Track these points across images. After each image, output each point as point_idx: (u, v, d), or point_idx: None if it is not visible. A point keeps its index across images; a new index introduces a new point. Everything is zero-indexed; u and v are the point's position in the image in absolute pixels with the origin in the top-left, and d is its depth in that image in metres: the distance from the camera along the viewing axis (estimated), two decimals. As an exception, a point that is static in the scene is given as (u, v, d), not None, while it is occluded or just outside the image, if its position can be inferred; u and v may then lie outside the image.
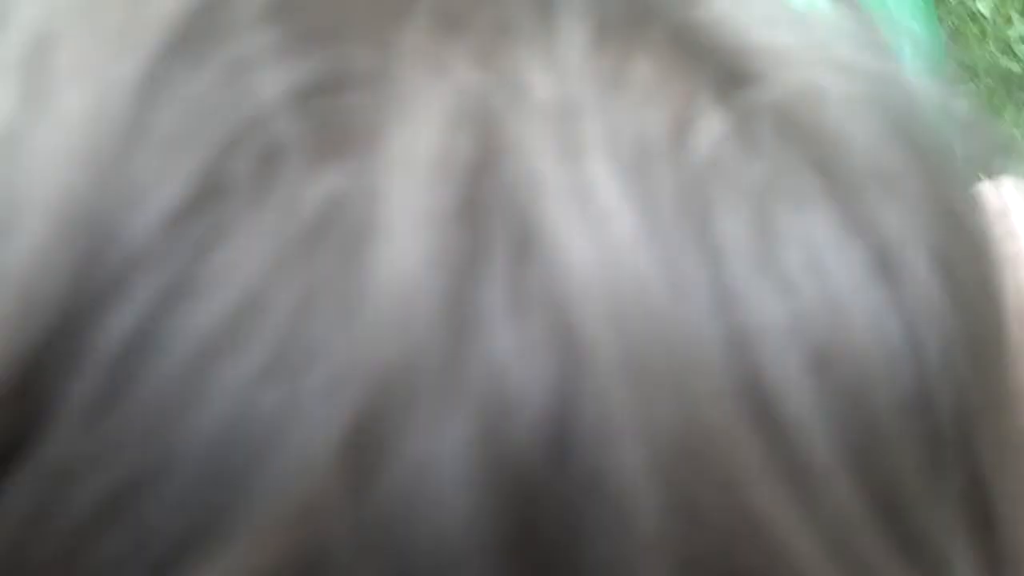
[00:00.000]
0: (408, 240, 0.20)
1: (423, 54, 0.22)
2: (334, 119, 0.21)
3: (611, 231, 0.21)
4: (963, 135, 0.27)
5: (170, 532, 0.19)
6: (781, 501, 0.21)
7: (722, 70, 0.24)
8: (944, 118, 0.27)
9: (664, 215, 0.21)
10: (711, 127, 0.23)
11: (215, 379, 0.20)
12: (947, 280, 0.24)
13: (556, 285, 0.20)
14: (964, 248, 0.25)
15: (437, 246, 0.20)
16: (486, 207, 0.21)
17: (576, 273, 0.20)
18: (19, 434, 0.20)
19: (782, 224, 0.22)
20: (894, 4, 1.27)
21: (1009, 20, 2.45)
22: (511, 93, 0.22)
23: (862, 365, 0.22)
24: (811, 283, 0.22)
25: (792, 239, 0.22)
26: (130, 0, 0.22)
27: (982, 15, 2.45)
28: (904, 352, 0.23)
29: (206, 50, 0.22)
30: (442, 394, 0.19)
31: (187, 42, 0.22)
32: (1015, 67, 2.38)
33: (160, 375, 0.20)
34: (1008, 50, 2.41)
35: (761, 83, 0.24)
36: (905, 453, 0.23)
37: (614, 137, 0.22)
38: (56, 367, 0.20)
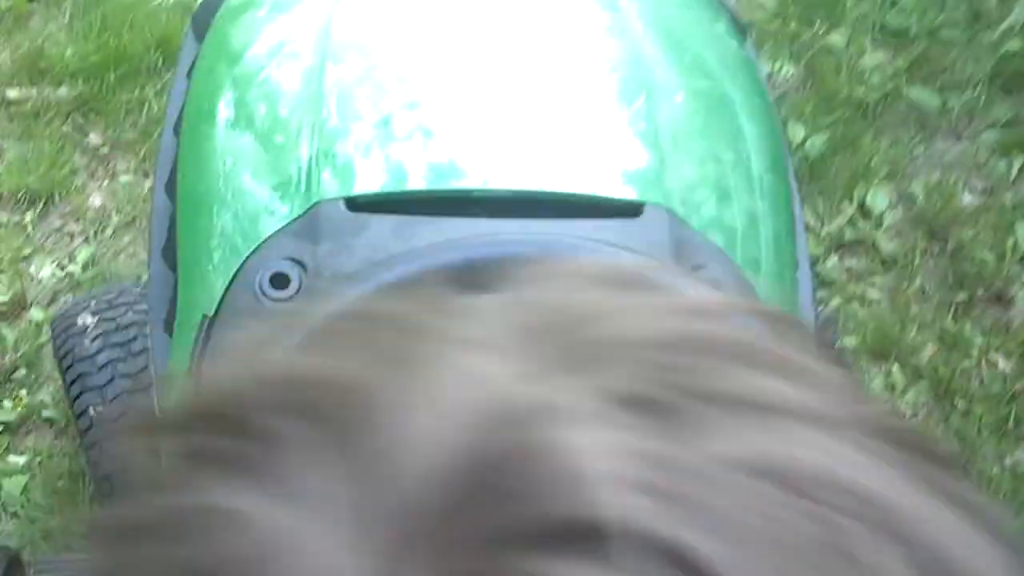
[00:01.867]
0: None
1: None
2: None
3: None
4: None
5: None
6: None
7: None
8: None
9: None
10: None
11: None
12: None
13: None
14: None
15: None
16: None
17: None
18: None
19: None
20: (724, 72, 1.33)
21: (863, 49, 2.57)
22: None
23: None
24: None
25: None
26: None
27: (836, 47, 2.57)
28: None
29: None
30: None
31: None
32: (870, 95, 2.50)
33: None
34: (862, 80, 2.52)
35: None
36: None
37: None
38: None
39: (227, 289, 1.11)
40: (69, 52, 2.40)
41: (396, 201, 1.15)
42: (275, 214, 1.15)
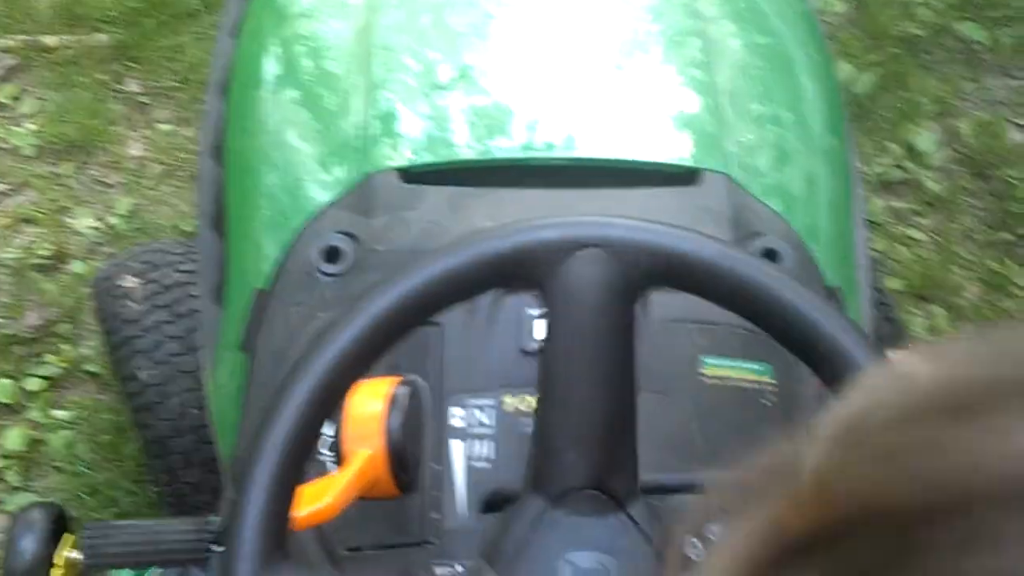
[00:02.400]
0: None
1: None
2: None
3: None
4: None
5: None
6: None
7: None
8: None
9: None
10: None
11: None
12: None
13: None
14: None
15: None
16: None
17: None
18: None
19: None
20: (784, 27, 1.29)
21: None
22: None
23: None
24: None
25: None
26: None
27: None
28: None
29: None
30: None
31: None
32: (919, 32, 2.44)
33: None
34: (912, 15, 2.47)
35: None
36: None
37: None
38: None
39: (280, 263, 1.09)
40: (105, -2, 2.38)
41: (450, 171, 1.13)
42: (326, 182, 1.14)
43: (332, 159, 1.15)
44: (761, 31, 1.28)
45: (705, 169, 1.11)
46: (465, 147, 1.14)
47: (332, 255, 1.07)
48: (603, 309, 0.81)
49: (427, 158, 1.12)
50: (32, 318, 1.98)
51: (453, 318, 0.88)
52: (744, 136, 1.16)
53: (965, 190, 2.26)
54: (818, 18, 1.40)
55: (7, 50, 2.32)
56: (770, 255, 1.06)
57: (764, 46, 1.27)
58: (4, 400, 1.89)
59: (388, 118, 1.15)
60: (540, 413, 0.83)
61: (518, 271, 0.81)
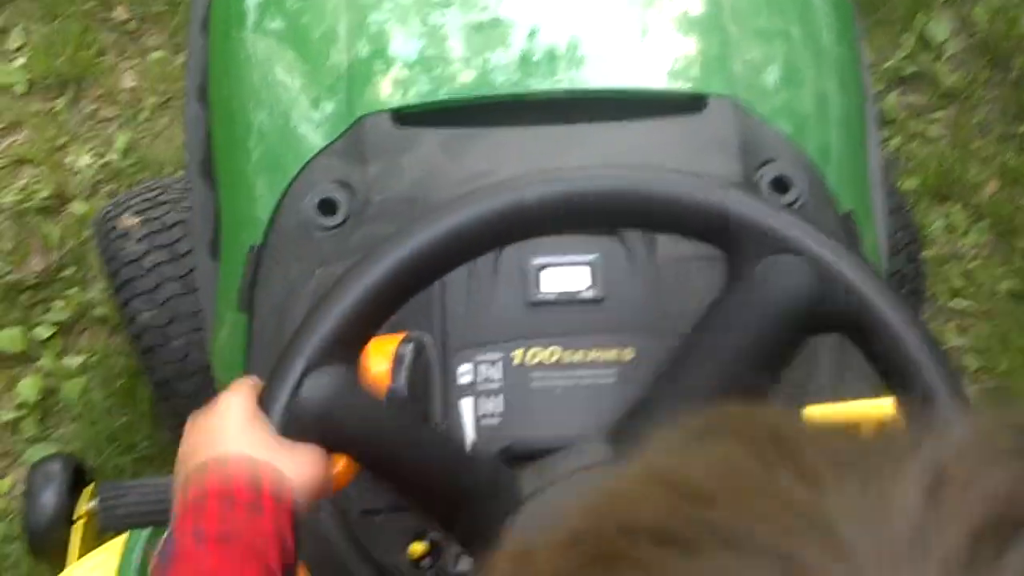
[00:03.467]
0: None
1: None
2: None
3: None
4: None
5: None
6: None
7: None
8: None
9: None
10: None
11: None
12: None
13: None
14: None
15: None
16: None
17: None
18: None
19: None
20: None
21: None
22: None
23: None
24: None
25: None
26: None
27: None
28: None
29: None
30: None
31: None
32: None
33: None
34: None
35: None
36: None
37: None
38: None
39: (274, 217, 1.05)
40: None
41: (443, 110, 1.08)
42: (317, 126, 1.09)
43: (322, 102, 1.10)
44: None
45: (711, 94, 1.07)
46: (458, 84, 1.09)
47: (327, 207, 1.03)
48: (783, 321, 0.80)
49: (418, 97, 1.08)
50: (36, 263, 1.95)
51: (456, 272, 0.85)
52: (750, 55, 1.11)
53: (981, 81, 2.19)
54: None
55: (-8, -15, 2.26)
56: (781, 182, 1.03)
57: None
58: (14, 349, 1.88)
59: (378, 50, 1.10)
60: (665, 370, 0.82)
61: (720, 233, 0.80)
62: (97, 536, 1.17)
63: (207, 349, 1.20)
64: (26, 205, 2.00)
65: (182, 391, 1.55)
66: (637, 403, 0.83)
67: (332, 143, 1.06)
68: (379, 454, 0.81)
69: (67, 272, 1.94)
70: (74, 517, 1.20)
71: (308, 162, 1.06)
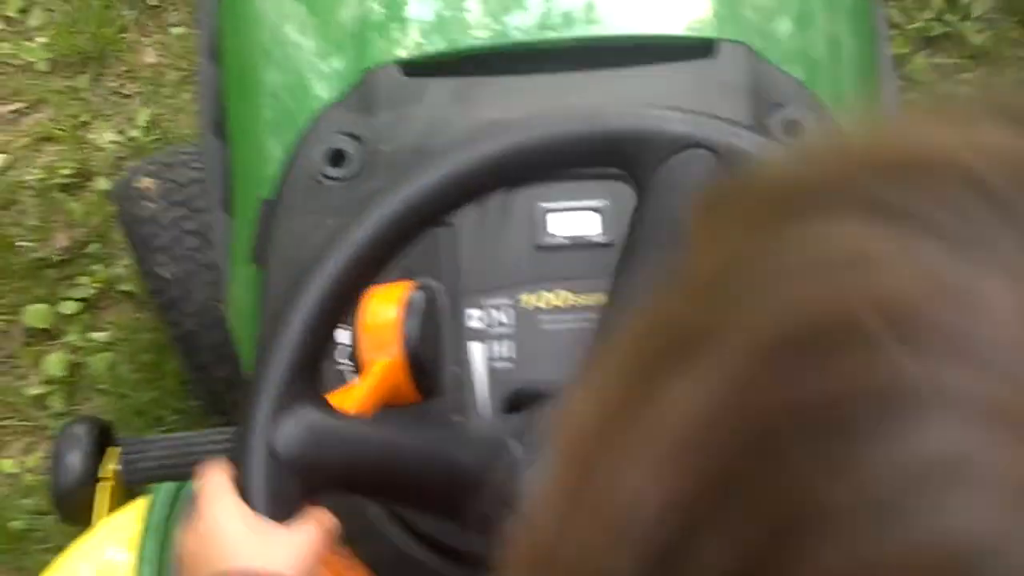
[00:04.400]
0: None
1: None
2: None
3: None
4: None
5: None
6: None
7: None
8: None
9: None
10: None
11: None
12: None
13: None
14: None
15: None
16: None
17: None
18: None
19: None
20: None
21: None
22: None
23: None
24: None
25: None
26: None
27: None
28: None
29: None
30: None
31: None
32: None
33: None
34: None
35: None
36: None
37: None
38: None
39: (285, 170, 1.05)
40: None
41: (452, 60, 1.07)
42: (328, 76, 1.09)
43: (331, 51, 1.10)
44: None
45: (722, 40, 1.05)
46: (465, 33, 1.08)
47: (337, 158, 1.03)
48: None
49: (427, 47, 1.07)
50: (61, 240, 1.96)
51: (464, 217, 0.85)
52: (760, 0, 1.10)
53: (1010, 40, 2.16)
54: None
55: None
56: (793, 126, 1.01)
57: None
58: (41, 325, 1.89)
59: (384, 9, 1.10)
60: (609, 306, 0.82)
61: (614, 155, 0.80)
62: (123, 495, 1.18)
63: (223, 303, 1.21)
64: (50, 182, 2.01)
65: (205, 343, 1.57)
66: (598, 342, 0.82)
67: (342, 96, 1.06)
68: (368, 479, 0.80)
69: (92, 248, 1.95)
70: (99, 477, 1.20)
71: (317, 115, 1.05)
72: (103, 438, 1.23)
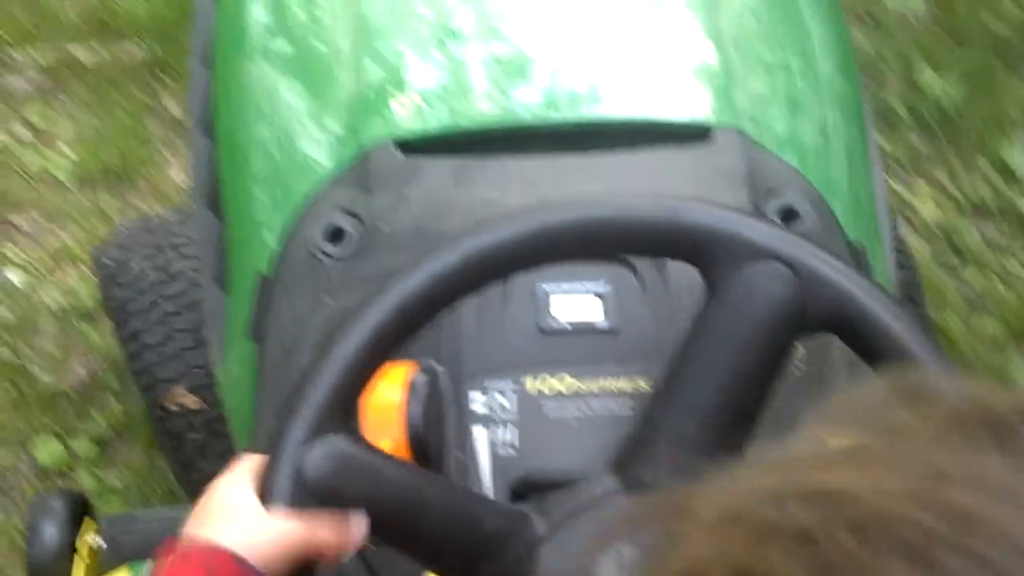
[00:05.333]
0: None
1: None
2: None
3: None
4: None
5: None
6: None
7: None
8: None
9: None
10: None
11: None
12: None
13: None
14: None
15: None
16: None
17: None
18: None
19: None
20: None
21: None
22: None
23: None
24: None
25: None
26: None
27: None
28: None
29: None
30: None
31: None
32: (1007, 31, 2.29)
33: None
34: (998, 12, 2.32)
35: None
36: None
37: None
38: None
39: (282, 246, 1.04)
40: (138, 8, 2.25)
41: (450, 139, 1.06)
42: (323, 158, 1.07)
43: (328, 130, 1.08)
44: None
45: (717, 125, 1.06)
46: (464, 113, 1.07)
47: (336, 236, 1.02)
48: (770, 329, 0.78)
49: (425, 126, 1.06)
50: (78, 370, 1.89)
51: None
52: (754, 87, 1.11)
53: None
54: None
55: (39, 66, 2.20)
56: (790, 214, 1.02)
57: None
58: (53, 464, 1.81)
59: (389, 77, 1.08)
60: (656, 396, 0.81)
61: (692, 249, 0.80)
62: (98, 569, 1.17)
63: (215, 381, 1.19)
64: (71, 308, 1.93)
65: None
66: (636, 429, 0.81)
67: (340, 172, 1.05)
68: (389, 519, 0.78)
69: (108, 380, 1.87)
70: (75, 548, 1.18)
71: (316, 191, 1.04)
72: (79, 510, 1.22)
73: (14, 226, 2.03)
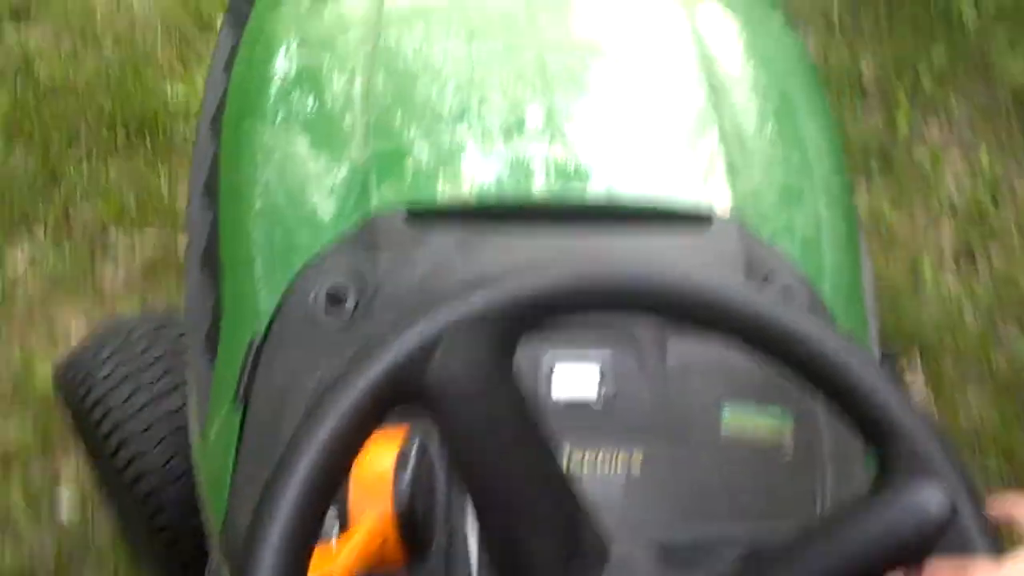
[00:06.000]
0: None
1: None
2: None
3: None
4: None
5: None
6: None
7: None
8: None
9: None
10: None
11: None
12: None
13: None
14: None
15: None
16: None
17: None
18: None
19: None
20: (784, 69, 1.30)
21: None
22: None
23: None
24: None
25: None
26: None
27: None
28: None
29: None
30: None
31: None
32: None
33: None
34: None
35: None
36: None
37: None
38: None
39: (278, 309, 1.04)
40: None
41: (457, 210, 1.09)
42: (327, 221, 1.09)
43: (333, 197, 1.11)
44: (765, 72, 1.28)
45: (717, 213, 1.10)
46: (469, 185, 1.10)
47: (336, 298, 1.02)
48: (487, 388, 0.73)
49: (431, 196, 1.09)
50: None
51: None
52: (753, 177, 1.15)
53: None
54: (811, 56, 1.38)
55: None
56: (787, 291, 1.04)
57: (767, 86, 1.27)
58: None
59: (390, 156, 1.12)
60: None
61: (399, 395, 0.72)
62: None
63: (192, 452, 1.15)
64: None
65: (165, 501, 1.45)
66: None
67: (343, 238, 1.06)
68: None
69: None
70: None
71: (319, 252, 1.06)
72: None
73: None
